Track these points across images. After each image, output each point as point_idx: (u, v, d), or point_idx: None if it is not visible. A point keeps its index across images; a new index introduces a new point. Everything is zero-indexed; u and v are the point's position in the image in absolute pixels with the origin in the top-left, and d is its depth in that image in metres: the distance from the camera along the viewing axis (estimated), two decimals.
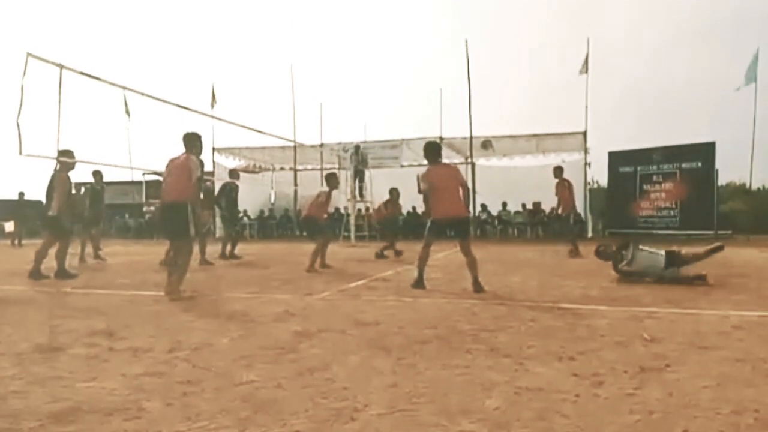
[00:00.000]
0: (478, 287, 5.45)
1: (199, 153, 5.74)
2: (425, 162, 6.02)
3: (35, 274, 6.93)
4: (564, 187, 10.38)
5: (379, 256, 9.86)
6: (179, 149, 5.77)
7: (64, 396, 2.41)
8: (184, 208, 5.32)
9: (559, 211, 10.76)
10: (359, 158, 14.88)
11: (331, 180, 8.73)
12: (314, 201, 8.64)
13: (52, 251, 7.18)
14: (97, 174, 10.29)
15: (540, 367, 2.77)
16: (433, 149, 6.02)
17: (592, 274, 6.94)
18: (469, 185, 18.29)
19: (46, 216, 7.14)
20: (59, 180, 7.18)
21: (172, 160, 5.65)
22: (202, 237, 8.40)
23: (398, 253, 10.05)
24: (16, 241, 16.16)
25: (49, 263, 7.13)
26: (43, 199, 7.63)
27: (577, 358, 2.93)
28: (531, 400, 2.29)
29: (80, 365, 2.92)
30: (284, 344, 3.32)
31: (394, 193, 11.37)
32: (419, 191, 5.92)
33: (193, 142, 5.66)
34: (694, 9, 42.43)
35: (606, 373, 2.66)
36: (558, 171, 10.50)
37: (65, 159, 7.31)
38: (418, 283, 5.77)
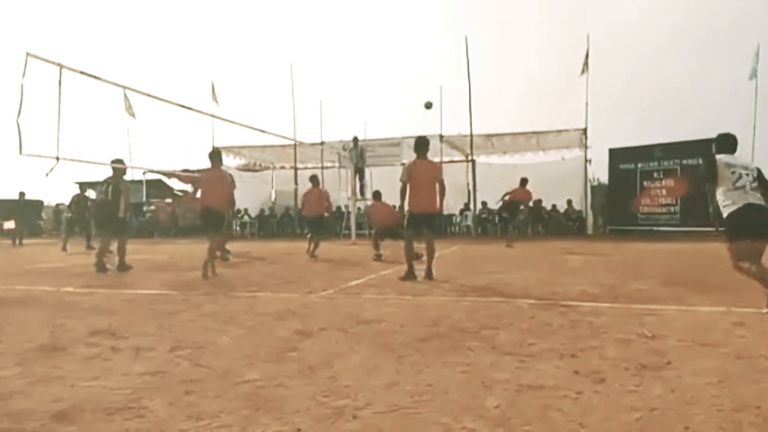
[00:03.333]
0: (429, 274, 6.18)
1: (221, 164, 7.72)
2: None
3: (122, 267, 7.99)
4: (525, 192, 12.33)
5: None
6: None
7: (67, 396, 2.42)
8: (224, 212, 7.51)
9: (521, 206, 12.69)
10: (358, 153, 14.82)
11: (317, 179, 10.96)
12: (322, 199, 10.53)
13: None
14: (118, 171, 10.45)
15: (541, 365, 2.77)
16: (422, 143, 6.40)
17: (592, 272, 6.95)
18: (470, 182, 18.40)
19: (115, 217, 8.09)
20: (125, 186, 8.35)
21: (207, 173, 7.46)
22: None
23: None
24: (17, 241, 16.17)
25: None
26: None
27: (578, 356, 2.94)
28: (532, 398, 2.29)
29: (82, 365, 2.93)
30: (286, 343, 3.33)
31: None
32: (401, 179, 6.26)
33: (218, 157, 7.63)
34: (695, 6, 42.37)
35: (607, 370, 2.67)
36: (523, 181, 12.37)
37: (118, 165, 8.36)
38: (409, 275, 6.10)
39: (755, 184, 4.35)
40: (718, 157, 4.54)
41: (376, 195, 10.91)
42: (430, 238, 6.35)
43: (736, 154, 4.62)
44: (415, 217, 6.19)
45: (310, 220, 10.88)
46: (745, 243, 4.18)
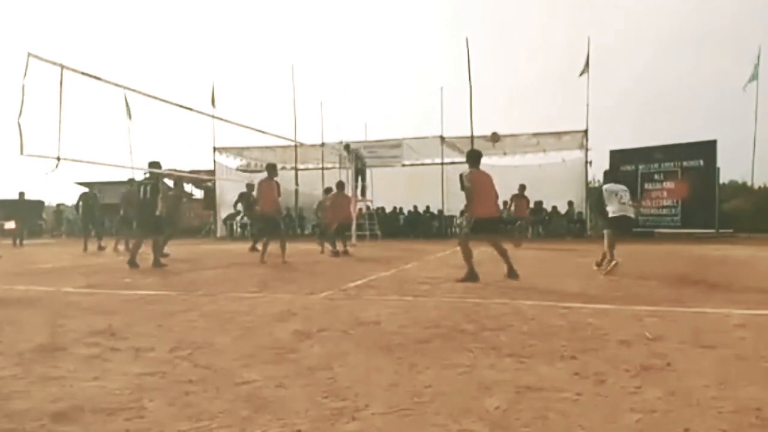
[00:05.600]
0: (512, 274, 6.30)
1: (276, 176, 9.45)
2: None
3: (133, 262, 8.40)
4: (524, 199, 13.51)
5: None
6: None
7: (66, 396, 2.41)
8: (277, 217, 9.47)
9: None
10: (351, 157, 14.81)
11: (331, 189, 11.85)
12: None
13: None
14: (165, 172, 10.76)
15: (541, 366, 2.77)
16: (477, 155, 6.78)
17: (593, 274, 6.94)
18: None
19: (153, 215, 8.58)
20: (164, 187, 8.91)
21: (267, 183, 9.22)
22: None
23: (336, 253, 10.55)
24: (18, 241, 16.18)
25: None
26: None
27: (578, 357, 2.93)
28: (532, 400, 2.29)
29: (82, 365, 2.92)
30: (285, 344, 3.32)
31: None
32: (462, 188, 6.51)
33: (275, 170, 9.52)
34: (695, 7, 42.38)
35: (607, 372, 2.66)
36: (521, 188, 13.53)
37: (154, 170, 8.81)
38: (471, 276, 6.17)
39: (631, 201, 7.00)
40: (604, 188, 7.16)
41: (340, 186, 11.36)
42: (496, 241, 6.60)
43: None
44: (481, 221, 6.42)
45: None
46: (614, 235, 6.92)
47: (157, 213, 8.58)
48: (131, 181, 12.91)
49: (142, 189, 8.68)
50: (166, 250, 11.07)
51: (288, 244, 9.45)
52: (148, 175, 8.89)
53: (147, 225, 8.69)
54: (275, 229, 9.29)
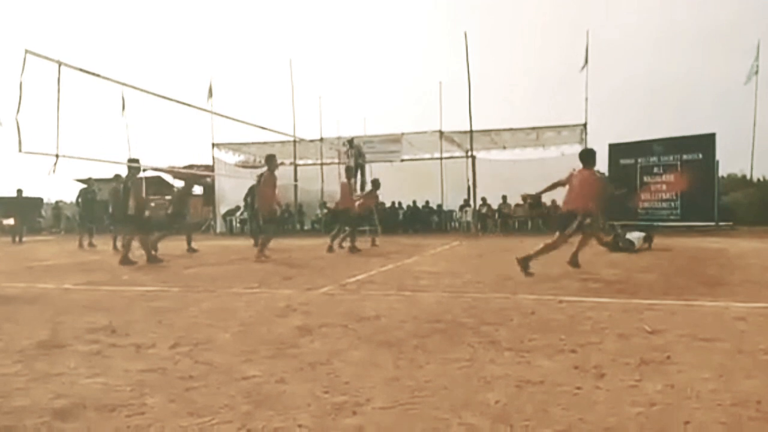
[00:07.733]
0: (573, 261, 6.82)
1: (276, 168, 8.93)
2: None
3: (126, 260, 8.26)
4: None
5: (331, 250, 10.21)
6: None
7: (67, 392, 2.42)
8: (270, 213, 8.97)
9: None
10: (353, 152, 14.73)
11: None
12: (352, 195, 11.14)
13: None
14: (137, 169, 10.65)
15: (541, 360, 2.78)
16: (582, 155, 7.27)
17: (592, 267, 6.95)
18: (470, 178, 18.37)
19: (126, 214, 8.47)
20: (135, 183, 8.66)
21: (262, 176, 8.98)
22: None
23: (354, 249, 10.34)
24: (17, 238, 16.18)
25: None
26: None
27: (578, 351, 2.94)
28: (532, 393, 2.29)
29: (82, 362, 2.93)
30: (286, 339, 3.33)
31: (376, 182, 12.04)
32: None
33: (273, 161, 8.96)
34: (694, 1, 42.24)
35: (607, 365, 2.67)
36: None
37: (133, 165, 8.76)
38: (525, 261, 6.33)
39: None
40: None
41: (349, 171, 11.37)
42: (585, 233, 6.89)
43: None
44: (563, 216, 6.90)
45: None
46: None
47: (129, 212, 8.47)
48: (117, 177, 12.80)
49: (120, 187, 8.83)
50: (194, 245, 11.09)
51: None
52: (133, 172, 8.90)
53: (122, 222, 8.87)
54: (264, 224, 9.38)
